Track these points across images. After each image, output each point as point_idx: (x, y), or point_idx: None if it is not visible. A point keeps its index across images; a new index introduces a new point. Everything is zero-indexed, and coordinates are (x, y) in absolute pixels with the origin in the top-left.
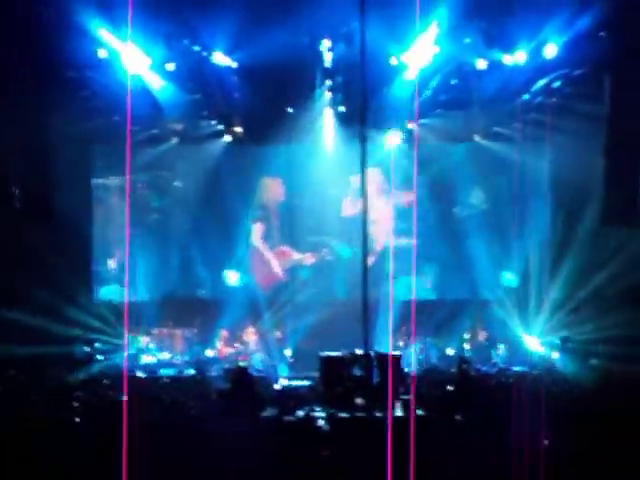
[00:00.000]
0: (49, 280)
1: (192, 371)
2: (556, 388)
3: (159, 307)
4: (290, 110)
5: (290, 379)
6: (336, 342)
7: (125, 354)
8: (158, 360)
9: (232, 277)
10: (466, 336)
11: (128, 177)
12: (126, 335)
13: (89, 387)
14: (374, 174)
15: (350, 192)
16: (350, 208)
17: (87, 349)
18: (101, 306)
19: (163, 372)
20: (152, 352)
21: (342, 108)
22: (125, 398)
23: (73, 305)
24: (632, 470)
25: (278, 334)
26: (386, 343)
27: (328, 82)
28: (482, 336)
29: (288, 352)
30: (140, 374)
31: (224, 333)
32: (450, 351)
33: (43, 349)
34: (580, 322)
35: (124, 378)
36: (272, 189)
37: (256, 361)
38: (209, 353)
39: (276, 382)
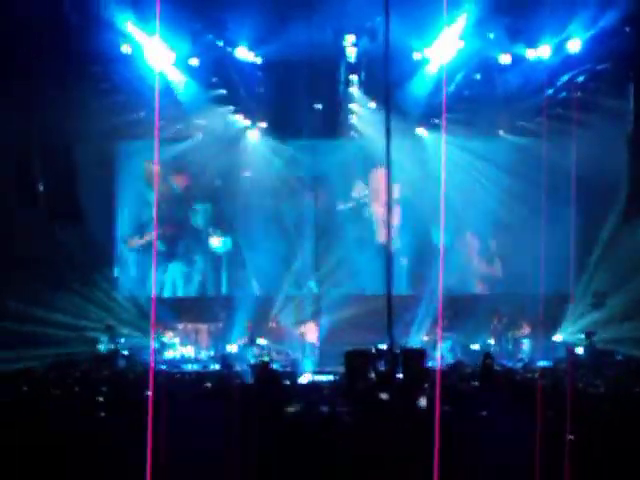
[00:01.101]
0: (75, 277)
1: (217, 366)
2: (581, 383)
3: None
4: (318, 106)
5: (314, 374)
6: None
7: (151, 349)
8: (182, 355)
9: None
10: (490, 331)
11: (156, 177)
12: (152, 330)
13: (114, 382)
14: None
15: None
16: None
17: (112, 345)
18: (125, 301)
19: (187, 367)
20: (176, 347)
21: (372, 104)
22: (150, 393)
23: (98, 301)
24: None
25: (302, 328)
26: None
27: (354, 77)
28: (509, 330)
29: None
30: (164, 369)
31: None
32: (475, 346)
33: (68, 345)
34: (605, 318)
35: (150, 373)
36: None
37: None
38: (231, 348)
39: (299, 377)
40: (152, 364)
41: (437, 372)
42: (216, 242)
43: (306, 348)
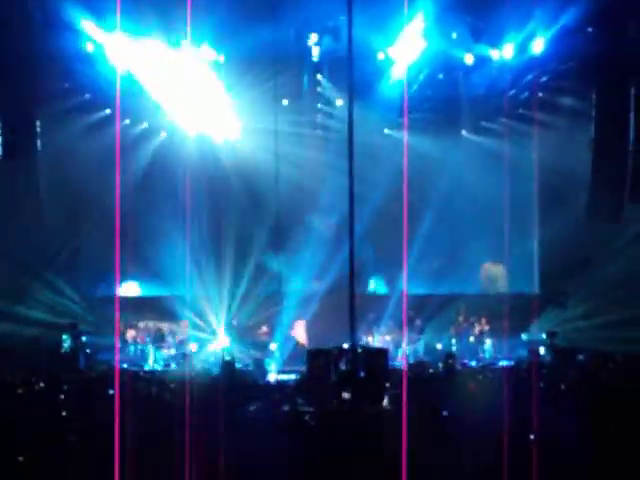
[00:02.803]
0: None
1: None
2: (542, 383)
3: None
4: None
5: (279, 373)
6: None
7: (116, 347)
8: (144, 354)
9: None
10: (453, 331)
11: (117, 177)
12: (117, 328)
13: (76, 380)
14: None
15: None
16: None
17: (73, 343)
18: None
19: (149, 366)
20: (139, 346)
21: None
22: (114, 392)
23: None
24: (619, 463)
25: (264, 328)
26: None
27: (319, 76)
28: (472, 330)
29: (273, 346)
30: (126, 367)
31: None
32: (438, 345)
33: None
34: (567, 317)
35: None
36: None
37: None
38: (193, 347)
39: (264, 376)
40: (117, 363)
41: (403, 372)
42: None
43: (268, 347)
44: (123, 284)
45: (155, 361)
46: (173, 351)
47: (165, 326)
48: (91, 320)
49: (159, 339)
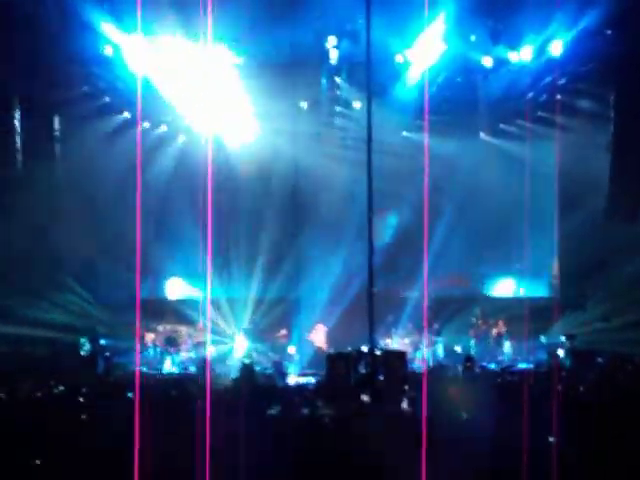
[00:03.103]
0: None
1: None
2: (561, 386)
3: None
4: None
5: (298, 376)
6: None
7: (136, 351)
8: (163, 357)
9: None
10: (472, 333)
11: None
12: (137, 332)
13: (96, 384)
14: None
15: None
16: None
17: (92, 347)
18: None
19: (167, 370)
20: (158, 349)
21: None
22: (134, 395)
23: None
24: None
25: (284, 332)
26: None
27: (337, 79)
28: (490, 332)
29: (292, 349)
30: (145, 371)
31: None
32: (457, 348)
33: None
34: (586, 320)
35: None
36: None
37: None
38: (211, 350)
39: (283, 379)
40: (137, 367)
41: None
42: None
43: (286, 350)
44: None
45: (173, 364)
46: (193, 354)
47: (183, 329)
48: (109, 324)
49: (172, 343)
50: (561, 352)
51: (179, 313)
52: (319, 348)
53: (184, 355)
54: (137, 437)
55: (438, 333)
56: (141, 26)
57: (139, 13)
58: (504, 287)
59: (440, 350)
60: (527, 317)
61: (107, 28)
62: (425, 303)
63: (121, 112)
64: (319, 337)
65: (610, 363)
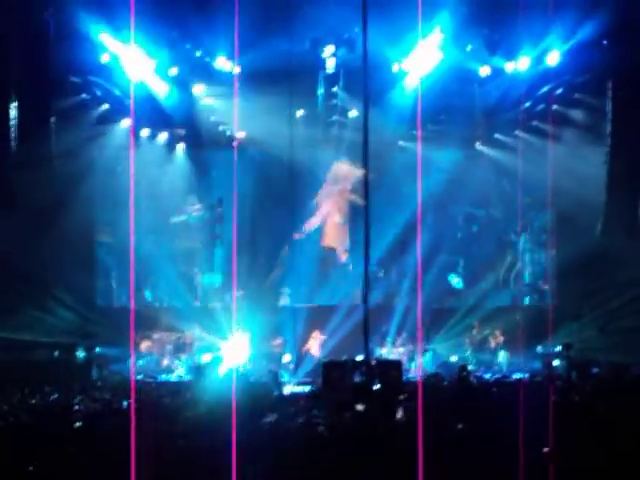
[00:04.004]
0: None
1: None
2: (557, 395)
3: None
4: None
5: (294, 385)
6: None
7: (131, 359)
8: (157, 365)
9: None
10: (468, 342)
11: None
12: (132, 340)
13: (90, 392)
14: None
15: None
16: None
17: (87, 353)
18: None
19: (162, 377)
20: (152, 357)
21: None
22: (130, 403)
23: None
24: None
25: (277, 341)
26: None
27: (334, 88)
28: (487, 342)
29: (287, 358)
30: (140, 379)
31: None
32: (453, 358)
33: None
34: (582, 330)
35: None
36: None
37: None
38: (206, 358)
39: (278, 388)
40: (133, 374)
41: (418, 383)
42: None
43: (281, 359)
44: None
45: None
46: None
47: (179, 336)
48: (104, 331)
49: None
50: (557, 362)
51: (169, 321)
52: (313, 356)
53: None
54: (133, 445)
55: (427, 342)
56: (136, 35)
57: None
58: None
59: (428, 359)
60: (523, 326)
61: (104, 37)
62: (419, 312)
63: (121, 120)
64: (314, 345)
65: (607, 373)
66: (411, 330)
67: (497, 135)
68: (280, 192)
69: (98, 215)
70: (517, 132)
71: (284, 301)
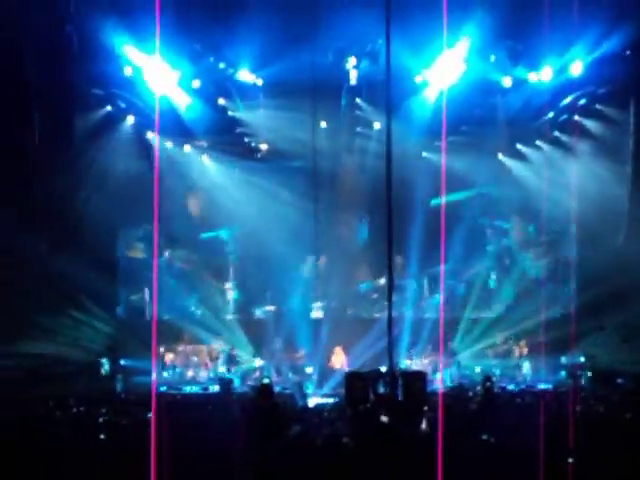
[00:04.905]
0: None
1: (216, 388)
2: (581, 407)
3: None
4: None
5: (318, 396)
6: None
7: (153, 370)
8: (181, 377)
9: None
10: (492, 354)
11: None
12: (154, 351)
13: (114, 403)
14: None
15: None
16: None
17: (112, 366)
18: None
19: (187, 389)
20: (176, 369)
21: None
22: (152, 415)
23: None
24: None
25: (302, 353)
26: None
27: (357, 100)
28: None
29: (310, 369)
30: (164, 391)
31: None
32: (477, 369)
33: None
34: (606, 341)
35: (152, 395)
36: None
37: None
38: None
39: (303, 400)
40: (154, 386)
41: (439, 395)
42: None
43: (304, 370)
44: None
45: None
46: (211, 374)
47: (203, 349)
48: (128, 343)
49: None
50: (581, 373)
51: (195, 333)
52: (338, 368)
53: (204, 375)
54: (154, 457)
55: (453, 353)
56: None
57: (158, 34)
58: None
59: (454, 370)
60: (547, 337)
61: (127, 50)
62: (441, 323)
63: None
64: (338, 357)
65: (631, 383)
66: (436, 341)
67: (519, 146)
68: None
69: (127, 230)
70: (538, 142)
71: (317, 314)
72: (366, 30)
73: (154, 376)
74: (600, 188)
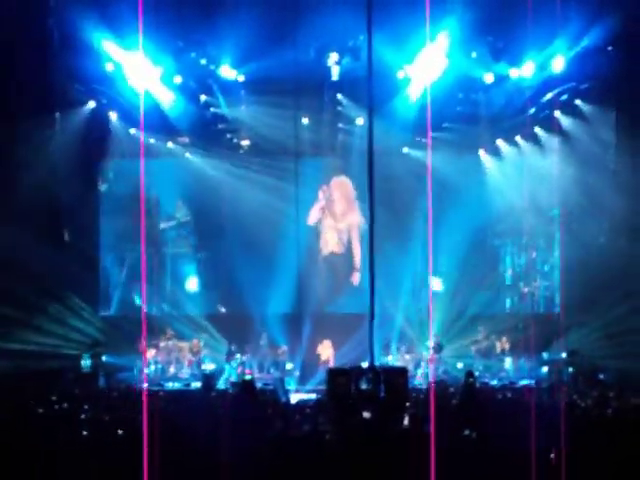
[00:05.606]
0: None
1: (198, 384)
2: (563, 402)
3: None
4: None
5: (300, 392)
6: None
7: (142, 368)
8: (163, 373)
9: None
10: (474, 349)
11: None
12: (144, 348)
13: (96, 401)
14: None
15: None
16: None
17: (93, 362)
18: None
19: (169, 386)
20: (158, 365)
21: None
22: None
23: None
24: None
25: (284, 349)
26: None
27: (339, 96)
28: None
29: (290, 365)
30: (146, 388)
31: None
32: (459, 365)
33: (50, 362)
34: (588, 337)
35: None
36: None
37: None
38: (211, 366)
39: (285, 396)
40: (145, 383)
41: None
42: None
43: (284, 366)
44: None
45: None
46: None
47: (184, 346)
48: (109, 340)
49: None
50: (563, 368)
51: (176, 329)
52: (321, 363)
53: (185, 371)
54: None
55: (439, 349)
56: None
57: (140, 30)
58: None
59: (439, 366)
60: (529, 333)
61: (108, 45)
62: (430, 319)
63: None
64: (322, 353)
65: (612, 380)
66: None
67: (499, 141)
68: None
69: (108, 225)
70: (518, 139)
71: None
72: (347, 26)
73: (145, 372)
74: (581, 186)
